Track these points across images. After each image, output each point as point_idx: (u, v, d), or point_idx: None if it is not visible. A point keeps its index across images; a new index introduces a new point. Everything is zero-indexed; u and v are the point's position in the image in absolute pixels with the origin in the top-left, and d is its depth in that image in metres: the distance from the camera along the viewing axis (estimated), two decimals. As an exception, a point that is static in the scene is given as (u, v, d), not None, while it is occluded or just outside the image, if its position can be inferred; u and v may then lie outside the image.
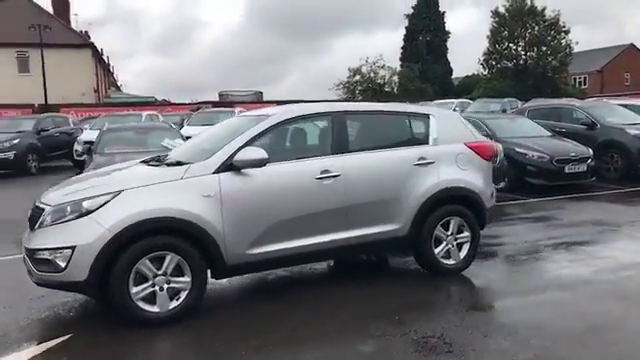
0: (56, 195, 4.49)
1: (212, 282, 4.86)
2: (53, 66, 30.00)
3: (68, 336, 4.11)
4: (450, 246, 5.39)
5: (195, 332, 4.18)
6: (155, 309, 4.24)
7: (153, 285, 4.23)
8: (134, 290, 4.16)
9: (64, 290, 4.25)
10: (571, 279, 5.29)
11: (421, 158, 5.26)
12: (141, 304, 4.20)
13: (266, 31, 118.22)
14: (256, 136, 4.71)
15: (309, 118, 5.17)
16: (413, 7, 46.24)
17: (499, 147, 6.04)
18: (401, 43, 47.13)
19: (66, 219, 4.14)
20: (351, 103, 5.66)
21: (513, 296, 4.87)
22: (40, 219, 4.27)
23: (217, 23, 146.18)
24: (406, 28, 46.72)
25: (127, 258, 4.12)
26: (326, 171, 4.80)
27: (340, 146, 4.99)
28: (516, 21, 41.65)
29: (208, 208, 4.36)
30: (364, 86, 41.95)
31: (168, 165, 4.77)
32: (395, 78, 42.99)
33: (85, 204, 4.15)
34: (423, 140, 5.45)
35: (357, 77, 42.34)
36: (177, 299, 4.32)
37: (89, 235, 4.05)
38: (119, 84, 57.95)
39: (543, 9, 41.78)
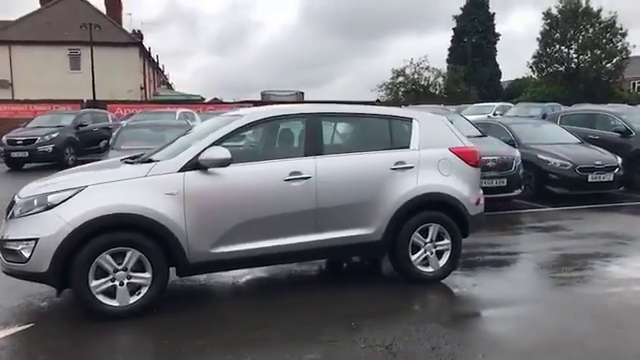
0: (30, 188, 4.65)
1: (181, 279, 4.93)
2: (102, 64, 31.09)
3: (30, 325, 4.26)
4: (429, 254, 5.26)
5: (148, 328, 4.25)
6: (114, 303, 4.33)
7: (113, 280, 4.32)
8: (94, 283, 4.26)
9: (29, 280, 4.37)
10: (550, 293, 5.08)
11: (399, 162, 5.15)
12: (100, 297, 4.29)
13: (320, 32, 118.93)
14: (225, 136, 4.73)
15: (281, 119, 5.15)
16: (462, 8, 45.37)
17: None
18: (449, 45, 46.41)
19: (32, 212, 4.28)
20: (328, 105, 5.55)
21: (484, 308, 4.72)
22: (11, 210, 4.44)
23: (272, 23, 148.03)
24: (454, 30, 45.88)
25: (87, 252, 4.21)
26: (296, 172, 4.77)
27: (313, 148, 4.94)
28: (569, 23, 40.14)
29: (170, 206, 4.41)
30: (407, 87, 41.47)
31: (141, 163, 4.86)
32: (440, 80, 42.30)
33: (50, 198, 4.28)
34: (404, 144, 5.33)
35: (400, 78, 41.89)
36: (137, 294, 4.39)
37: (51, 228, 4.18)
38: (171, 82, 59.60)
39: (599, 10, 40.06)
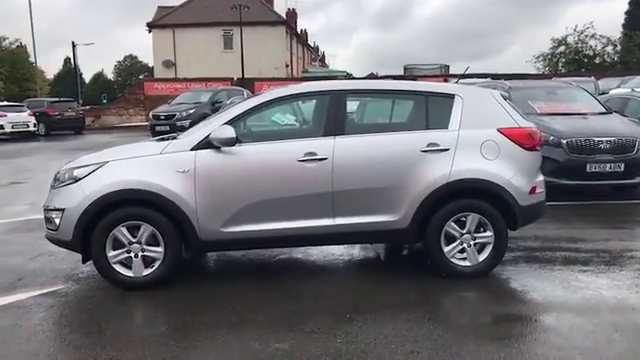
0: (72, 162, 5.06)
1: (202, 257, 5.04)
2: (251, 43, 32.88)
3: (60, 287, 4.69)
4: (465, 246, 4.74)
5: (148, 299, 4.44)
6: (130, 273, 4.57)
7: (129, 252, 4.55)
8: (111, 254, 4.53)
9: (61, 247, 4.78)
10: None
11: (432, 144, 4.67)
12: (117, 267, 4.56)
13: (488, 1, 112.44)
14: (239, 115, 4.68)
15: (302, 97, 4.94)
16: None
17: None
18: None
19: (64, 184, 4.65)
20: (356, 81, 5.20)
21: (517, 317, 4.10)
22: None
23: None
24: (633, -10, 40.38)
25: (105, 224, 4.49)
26: (311, 153, 4.57)
27: (334, 128, 4.68)
28: None
29: (181, 183, 4.49)
30: (568, 58, 37.61)
31: (167, 140, 5.01)
32: (609, 49, 37.66)
33: (75, 172, 4.62)
34: (442, 124, 4.81)
35: (561, 48, 38.08)
36: (151, 267, 4.58)
37: (75, 200, 4.51)
38: (327, 59, 61.02)
39: None
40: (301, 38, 47.07)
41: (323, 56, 76.40)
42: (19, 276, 4.98)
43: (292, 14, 51.24)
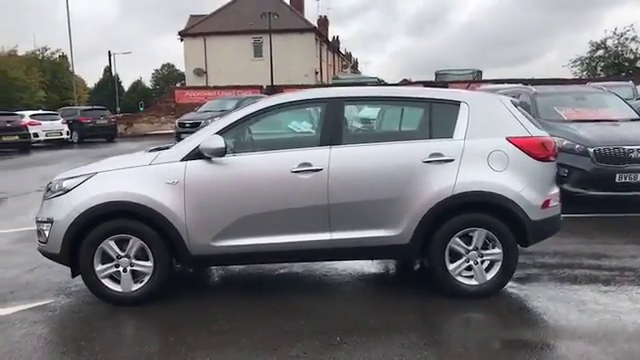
0: (64, 173, 4.95)
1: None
2: (281, 50, 32.91)
3: (49, 301, 4.58)
4: (472, 263, 4.42)
5: (135, 314, 4.28)
6: (118, 288, 4.42)
7: (117, 266, 4.40)
8: (99, 268, 4.38)
9: (51, 260, 4.66)
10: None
11: (435, 154, 4.38)
12: (106, 281, 4.41)
13: (523, 6, 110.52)
14: (231, 124, 4.49)
15: (297, 105, 4.70)
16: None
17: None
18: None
19: (54, 195, 4.54)
20: (355, 88, 4.94)
21: (525, 344, 3.78)
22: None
23: (473, 2, 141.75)
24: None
25: (92, 237, 4.35)
26: (306, 164, 4.34)
27: (330, 137, 4.44)
28: None
29: (170, 195, 4.32)
30: (608, 62, 36.39)
31: (158, 150, 4.86)
32: (652, 52, 36.30)
33: (65, 183, 4.50)
34: (446, 133, 4.51)
35: (600, 52, 36.90)
36: (140, 282, 4.42)
37: (63, 212, 4.39)
38: (360, 66, 60.84)
39: None
40: (332, 45, 47.00)
41: (356, 63, 76.29)
42: (12, 289, 4.90)
43: (324, 21, 51.34)
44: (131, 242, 4.36)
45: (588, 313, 4.14)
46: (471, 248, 4.41)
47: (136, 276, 4.42)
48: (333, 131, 4.46)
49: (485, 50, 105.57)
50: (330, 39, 54.82)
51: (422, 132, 4.59)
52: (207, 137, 4.37)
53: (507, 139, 4.46)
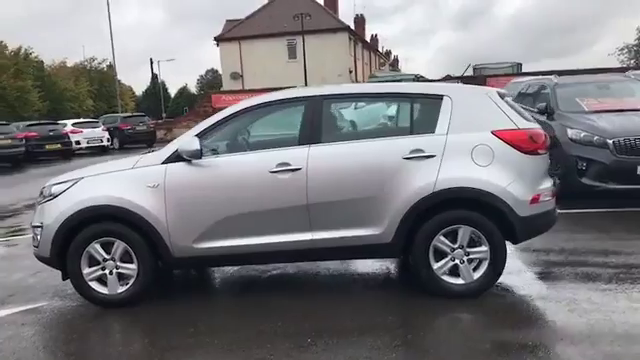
0: (55, 178, 5.07)
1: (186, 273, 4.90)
2: (314, 50, 32.97)
3: (43, 303, 4.71)
4: (458, 262, 4.28)
5: (120, 316, 4.34)
6: (105, 291, 4.49)
7: (104, 269, 4.48)
8: (86, 271, 4.47)
9: (44, 264, 4.77)
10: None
11: (415, 150, 4.26)
12: (93, 284, 4.49)
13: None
14: (211, 126, 4.50)
15: (277, 105, 4.66)
16: None
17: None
18: None
19: (44, 200, 4.67)
20: (336, 86, 4.85)
21: (510, 346, 3.63)
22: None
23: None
24: None
25: (78, 241, 4.43)
26: (284, 164, 4.30)
27: (310, 136, 4.39)
28: None
29: (151, 198, 4.37)
30: (657, 49, 34.73)
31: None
32: None
33: (53, 188, 4.61)
34: (428, 128, 4.39)
35: (648, 39, 35.24)
36: (126, 284, 4.49)
37: (51, 216, 4.50)
38: (399, 63, 60.26)
39: None
40: (367, 43, 46.73)
41: (396, 60, 75.63)
42: (12, 292, 5.07)
43: (360, 20, 51.17)
44: (116, 245, 4.43)
45: (578, 313, 3.94)
46: (456, 246, 4.27)
47: (122, 278, 4.49)
48: (312, 130, 4.41)
49: (534, 41, 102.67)
50: (369, 37, 54.57)
51: (403, 128, 4.48)
52: (186, 140, 4.40)
53: (492, 133, 4.30)
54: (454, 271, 4.30)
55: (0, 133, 19.47)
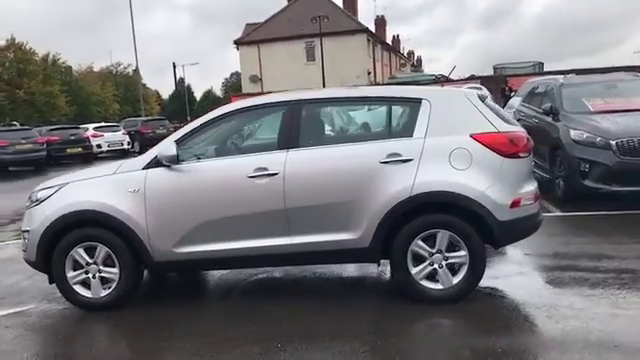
0: (43, 183, 5.16)
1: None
2: (332, 52, 32.99)
3: (30, 306, 4.81)
4: (437, 266, 4.24)
5: (102, 320, 4.41)
6: (89, 294, 4.57)
7: (87, 272, 4.56)
8: (70, 274, 4.55)
9: (32, 268, 4.86)
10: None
11: (392, 155, 4.23)
12: (77, 288, 4.57)
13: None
14: (191, 131, 4.54)
15: (257, 110, 4.68)
16: None
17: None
18: None
19: (32, 205, 4.77)
20: (315, 90, 4.85)
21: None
22: None
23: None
24: None
25: (62, 245, 4.52)
26: (262, 168, 4.32)
27: (288, 141, 4.39)
28: None
29: (131, 203, 4.42)
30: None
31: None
32: None
33: (39, 194, 4.71)
34: (406, 132, 4.36)
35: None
36: (109, 288, 4.55)
37: (36, 221, 4.59)
38: (423, 64, 59.85)
39: None
40: (387, 44, 46.54)
41: (419, 61, 75.19)
42: (3, 295, 5.18)
43: (381, 21, 51.04)
44: (98, 249, 4.50)
45: (555, 319, 3.86)
46: (434, 251, 4.23)
47: (105, 282, 4.55)
48: (291, 134, 4.41)
49: (560, 40, 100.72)
50: (390, 38, 54.41)
51: (382, 132, 4.47)
52: (164, 145, 4.45)
53: (471, 136, 4.24)
54: (433, 276, 4.26)
55: (22, 138, 19.97)
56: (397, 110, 4.46)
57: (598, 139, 7.28)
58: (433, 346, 3.64)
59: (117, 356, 3.75)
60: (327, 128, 4.69)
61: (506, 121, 4.44)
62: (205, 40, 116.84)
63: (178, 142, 4.45)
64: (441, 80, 35.25)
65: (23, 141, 19.68)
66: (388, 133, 4.41)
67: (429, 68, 63.39)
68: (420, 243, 4.23)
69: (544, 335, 3.64)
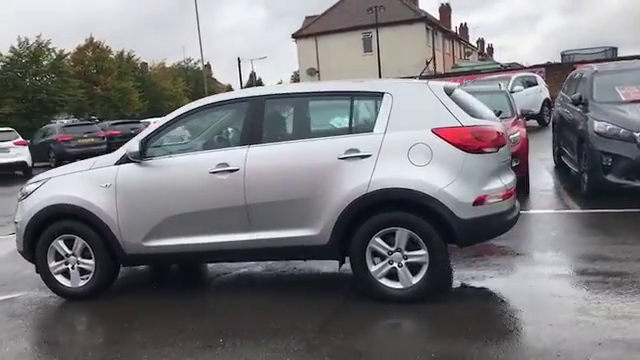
0: (34, 177, 5.42)
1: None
2: (389, 43, 32.55)
3: (19, 294, 5.10)
4: (396, 265, 4.12)
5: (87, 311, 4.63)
6: (69, 284, 4.79)
7: (67, 263, 4.78)
8: (52, 264, 4.79)
9: (23, 257, 5.14)
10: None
11: (351, 150, 4.13)
12: (59, 277, 4.80)
13: None
14: (159, 128, 4.64)
15: (222, 107, 4.69)
16: None
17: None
18: None
19: (22, 198, 5.04)
20: (278, 86, 4.79)
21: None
22: None
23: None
24: None
25: (45, 237, 4.76)
26: (223, 164, 4.35)
27: (250, 137, 4.40)
28: None
29: (103, 198, 4.59)
30: None
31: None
32: None
33: (27, 188, 4.98)
34: (367, 127, 4.25)
35: None
36: (86, 279, 4.76)
37: (23, 214, 4.87)
38: (494, 52, 57.84)
39: None
40: (450, 33, 45.25)
41: (490, 49, 72.76)
42: (3, 282, 5.52)
43: (445, 9, 49.77)
44: (76, 242, 4.70)
45: (517, 324, 3.66)
46: (394, 249, 4.10)
47: (84, 273, 4.76)
48: (253, 130, 4.41)
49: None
50: (457, 26, 52.96)
51: (343, 127, 4.37)
52: (131, 142, 4.58)
53: (432, 131, 4.07)
54: (394, 275, 4.14)
55: (85, 132, 21.15)
56: (359, 105, 4.35)
57: (622, 131, 6.77)
58: (373, 347, 3.53)
59: (72, 347, 3.91)
60: (289, 124, 4.65)
61: (475, 115, 4.22)
62: (278, 34, 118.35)
63: (147, 139, 4.57)
64: (507, 69, 33.93)
65: (85, 135, 20.82)
66: (349, 128, 4.31)
67: (501, 57, 61.24)
68: (379, 241, 4.11)
69: (501, 340, 3.42)
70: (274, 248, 4.36)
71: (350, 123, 4.33)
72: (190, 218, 4.44)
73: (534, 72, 26.29)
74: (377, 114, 4.21)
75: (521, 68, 30.71)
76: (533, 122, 16.96)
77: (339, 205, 4.12)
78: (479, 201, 4.03)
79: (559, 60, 34.15)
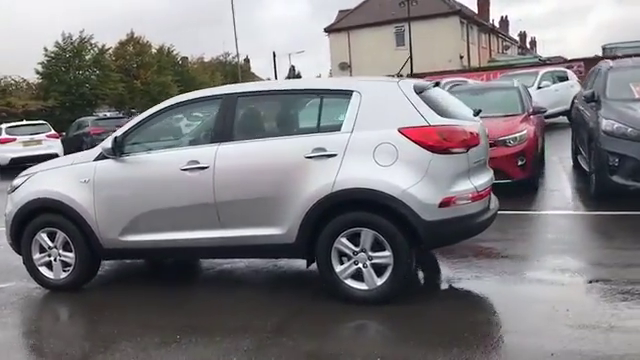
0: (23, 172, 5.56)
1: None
2: (422, 36, 32.03)
3: (8, 284, 5.28)
4: (361, 266, 4.06)
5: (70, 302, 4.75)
6: (51, 276, 4.93)
7: (50, 255, 4.91)
8: (36, 256, 4.93)
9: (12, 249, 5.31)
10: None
11: (317, 149, 4.09)
12: (42, 269, 4.94)
13: None
14: (135, 125, 4.70)
15: (194, 104, 4.72)
16: None
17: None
18: None
19: (10, 191, 5.20)
20: (251, 83, 4.75)
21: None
22: None
23: None
24: None
25: (29, 229, 4.91)
26: (193, 162, 4.38)
27: (220, 134, 4.41)
28: None
29: (82, 193, 4.68)
30: None
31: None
32: None
33: (15, 182, 5.14)
34: (333, 126, 4.20)
35: None
36: (67, 271, 4.88)
37: (10, 207, 5.03)
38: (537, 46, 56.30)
39: None
40: (486, 26, 44.18)
41: (532, 43, 70.92)
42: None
43: (484, 2, 48.75)
44: (57, 235, 4.83)
45: (482, 331, 3.55)
46: (358, 250, 4.05)
47: (65, 266, 4.88)
48: (224, 128, 4.43)
49: None
50: (497, 20, 51.78)
51: (312, 126, 4.33)
52: (107, 138, 4.66)
53: (399, 130, 3.99)
54: (359, 275, 4.09)
55: (117, 125, 21.57)
56: (328, 103, 4.30)
57: (629, 130, 6.48)
58: (323, 349, 3.50)
59: (36, 336, 4.03)
60: (259, 122, 4.64)
61: (445, 114, 4.11)
62: (318, 27, 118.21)
63: (123, 135, 4.64)
64: (545, 63, 32.95)
65: (117, 128, 21.27)
66: (317, 127, 4.27)
67: (546, 50, 59.53)
68: (344, 241, 4.07)
69: (465, 347, 3.34)
70: (243, 246, 4.38)
71: (319, 122, 4.29)
72: (163, 214, 4.49)
73: (572, 66, 25.54)
74: (345, 112, 4.15)
75: (561, 62, 29.78)
76: (563, 119, 16.43)
77: (305, 204, 4.09)
78: (445, 202, 3.93)
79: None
